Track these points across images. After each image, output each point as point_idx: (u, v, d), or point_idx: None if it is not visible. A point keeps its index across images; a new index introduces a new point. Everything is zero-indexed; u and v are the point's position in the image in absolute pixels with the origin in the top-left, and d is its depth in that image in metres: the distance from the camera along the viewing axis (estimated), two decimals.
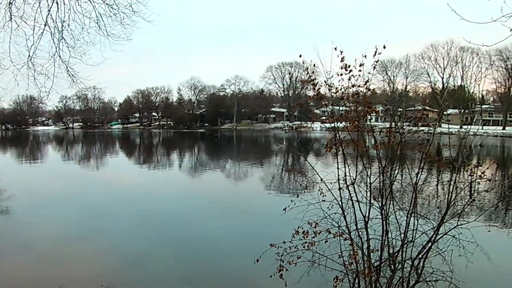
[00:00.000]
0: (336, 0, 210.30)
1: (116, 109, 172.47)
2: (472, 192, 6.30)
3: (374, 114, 6.58)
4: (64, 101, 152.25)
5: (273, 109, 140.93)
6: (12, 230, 14.68)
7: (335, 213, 6.76)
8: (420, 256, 6.56)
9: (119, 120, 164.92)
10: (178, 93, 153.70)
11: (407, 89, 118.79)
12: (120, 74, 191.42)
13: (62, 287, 9.42)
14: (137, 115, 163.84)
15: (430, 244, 6.41)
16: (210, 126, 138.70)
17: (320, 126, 7.23)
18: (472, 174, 6.23)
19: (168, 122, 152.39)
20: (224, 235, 14.11)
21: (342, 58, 5.98)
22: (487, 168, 6.29)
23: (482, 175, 6.10)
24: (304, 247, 6.93)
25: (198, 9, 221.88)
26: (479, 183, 6.32)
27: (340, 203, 6.66)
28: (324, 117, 7.14)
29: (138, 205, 19.20)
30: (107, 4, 10.09)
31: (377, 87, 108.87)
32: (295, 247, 6.94)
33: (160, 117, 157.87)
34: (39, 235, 14.15)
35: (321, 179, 6.81)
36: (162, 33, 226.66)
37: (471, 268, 6.64)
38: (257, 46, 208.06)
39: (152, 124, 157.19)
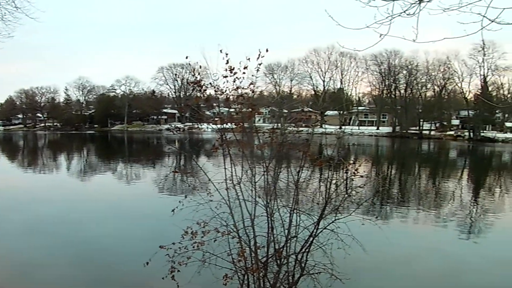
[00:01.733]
0: (225, 4, 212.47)
1: None
2: (348, 188, 6.79)
3: (258, 115, 6.82)
4: None
5: (164, 110, 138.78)
6: None
7: (223, 213, 6.88)
8: (303, 250, 6.92)
9: (0, 121, 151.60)
10: (65, 93, 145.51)
11: (292, 92, 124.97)
12: (2, 73, 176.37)
13: None
14: (20, 116, 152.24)
15: (311, 238, 6.79)
16: (100, 127, 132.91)
17: (209, 127, 7.33)
18: (347, 171, 6.72)
19: (55, 124, 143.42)
20: (116, 239, 13.74)
21: (227, 61, 6.12)
22: (359, 166, 6.82)
23: (356, 172, 6.60)
24: (194, 247, 6.96)
25: (87, 7, 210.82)
26: (353, 180, 6.83)
27: (227, 202, 6.79)
28: (215, 119, 7.25)
29: (26, 211, 17.94)
30: None
31: (265, 90, 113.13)
32: (185, 248, 6.94)
33: (45, 118, 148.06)
34: None
35: (209, 179, 6.91)
36: (50, 31, 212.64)
37: (349, 259, 7.15)
38: (148, 47, 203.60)
39: (37, 126, 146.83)
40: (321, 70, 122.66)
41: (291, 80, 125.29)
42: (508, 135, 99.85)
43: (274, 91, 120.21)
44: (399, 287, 10.44)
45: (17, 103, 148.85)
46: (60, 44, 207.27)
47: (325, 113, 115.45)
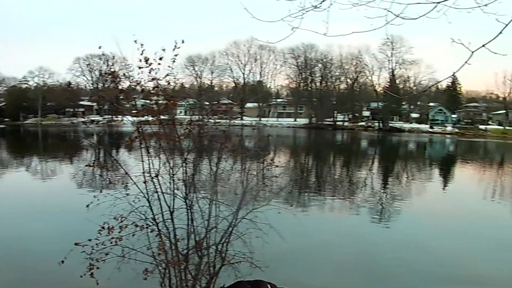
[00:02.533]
0: None
1: None
2: (264, 178, 6.99)
3: (179, 107, 6.79)
4: None
5: (81, 102, 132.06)
6: None
7: (142, 206, 6.77)
8: (223, 241, 7.03)
9: None
10: None
11: (212, 84, 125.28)
12: None
13: None
14: None
15: (231, 229, 6.91)
16: (11, 121, 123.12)
17: (128, 120, 7.16)
18: (263, 161, 6.91)
19: None
20: (30, 238, 13.03)
21: (142, 52, 6.01)
22: (278, 156, 7.04)
23: (272, 162, 6.81)
24: (112, 242, 6.78)
25: None
26: (270, 170, 7.04)
27: (146, 195, 6.70)
28: (134, 111, 7.09)
29: None
30: None
31: (186, 82, 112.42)
32: (102, 244, 6.74)
33: None
34: None
35: (126, 173, 6.77)
36: None
37: (268, 247, 7.37)
38: (64, 37, 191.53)
39: None
40: (241, 63, 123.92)
41: (212, 72, 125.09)
42: (414, 125, 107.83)
43: (195, 83, 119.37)
44: (316, 271, 10.94)
45: None
46: None
47: (245, 105, 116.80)
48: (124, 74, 6.19)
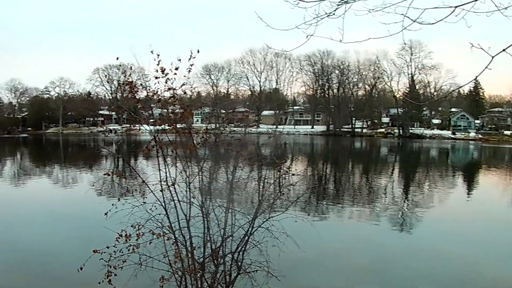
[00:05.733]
0: (158, 7, 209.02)
1: None
2: (281, 186, 6.94)
3: (196, 116, 6.81)
4: None
5: (101, 112, 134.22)
6: None
7: (159, 214, 6.80)
8: (239, 249, 6.99)
9: None
10: None
11: (229, 92, 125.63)
12: None
13: None
14: None
15: (247, 237, 6.88)
16: (34, 130, 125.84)
17: (146, 129, 7.21)
18: (280, 169, 6.87)
19: None
20: (51, 244, 13.24)
21: (159, 62, 6.06)
22: (295, 164, 7.00)
23: (289, 170, 6.76)
24: (129, 250, 6.83)
25: (20, 7, 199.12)
26: (286, 178, 6.99)
27: (163, 204, 6.73)
28: (151, 120, 7.15)
29: None
30: None
31: (202, 91, 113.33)
32: (120, 251, 6.80)
33: None
34: None
35: (143, 181, 6.81)
36: None
37: (284, 256, 7.30)
38: (83, 48, 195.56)
39: None
40: (257, 71, 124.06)
41: (228, 81, 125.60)
42: (435, 131, 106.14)
43: (211, 91, 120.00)
44: (333, 280, 10.82)
45: None
46: None
47: (261, 113, 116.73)
48: (141, 84, 6.24)
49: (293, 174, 7.07)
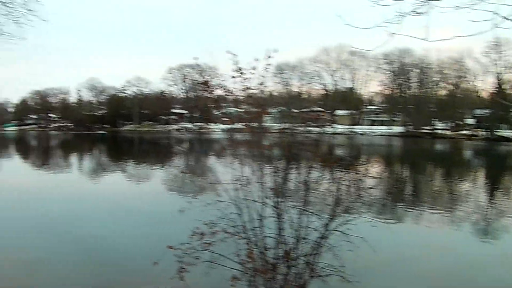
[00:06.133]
0: (234, 6, 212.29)
1: (11, 110, 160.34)
2: (358, 189, 6.70)
3: (269, 115, 6.77)
4: None
5: (174, 110, 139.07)
6: None
7: (232, 213, 6.85)
8: (312, 252, 6.85)
9: (14, 122, 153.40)
10: (77, 94, 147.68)
11: (301, 91, 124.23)
12: (14, 75, 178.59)
13: None
14: (34, 116, 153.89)
15: (321, 240, 6.72)
16: (111, 127, 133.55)
17: (222, 128, 7.31)
18: (358, 172, 6.63)
19: (67, 124, 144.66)
20: (126, 237, 13.76)
21: (236, 61, 6.09)
22: (371, 166, 6.72)
23: (367, 172, 6.51)
24: (202, 247, 6.93)
25: (98, 10, 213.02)
26: (363, 180, 6.74)
27: (236, 203, 6.76)
28: (224, 119, 7.22)
29: (38, 209, 18.12)
30: (1, 2, 9.46)
31: (273, 89, 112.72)
32: (193, 248, 6.92)
33: (58, 119, 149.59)
34: None
35: (217, 180, 6.87)
36: (62, 33, 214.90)
37: (359, 260, 7.08)
38: (159, 48, 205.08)
39: (50, 126, 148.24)
40: (331, 70, 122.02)
41: (301, 80, 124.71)
42: None
43: (283, 91, 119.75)
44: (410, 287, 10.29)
45: (31, 103, 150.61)
46: (71, 46, 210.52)
47: (336, 113, 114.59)
48: (219, 83, 6.30)
49: (371, 177, 6.81)
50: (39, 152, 61.18)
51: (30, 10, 9.75)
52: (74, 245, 12.92)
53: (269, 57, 6.10)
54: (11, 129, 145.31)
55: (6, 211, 17.70)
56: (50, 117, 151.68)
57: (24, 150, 64.20)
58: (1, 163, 42.51)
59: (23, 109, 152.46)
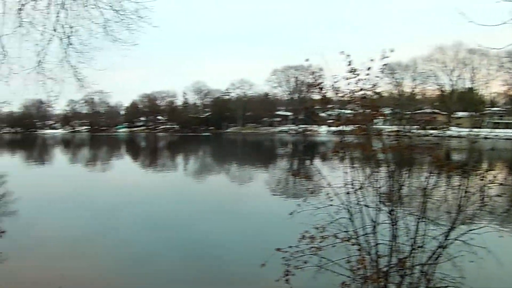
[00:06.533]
0: (340, 6, 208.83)
1: (122, 113, 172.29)
2: (483, 196, 6.17)
3: (382, 117, 6.47)
4: (72, 105, 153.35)
5: (278, 112, 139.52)
6: (20, 231, 14.67)
7: (342, 218, 6.66)
8: (429, 261, 6.44)
9: (125, 123, 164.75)
10: (183, 97, 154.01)
11: (414, 92, 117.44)
12: (126, 79, 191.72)
13: None
14: (143, 118, 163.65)
15: (440, 249, 6.29)
16: (215, 129, 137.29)
17: (328, 130, 7.17)
18: (483, 178, 6.11)
19: (173, 126, 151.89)
20: (230, 238, 14.00)
21: (349, 62, 5.91)
22: (499, 173, 6.16)
23: (494, 179, 5.97)
24: (310, 251, 6.83)
25: (202, 15, 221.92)
26: (489, 188, 6.20)
27: (347, 207, 6.56)
28: (330, 120, 7.07)
29: (146, 207, 19.23)
30: (114, 9, 10.09)
31: (384, 90, 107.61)
32: (301, 252, 6.84)
33: (165, 121, 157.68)
34: (47, 235, 14.17)
35: (328, 183, 6.72)
36: (168, 38, 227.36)
37: (483, 274, 6.53)
38: (262, 50, 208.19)
39: (158, 128, 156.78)
40: (448, 69, 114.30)
41: (414, 80, 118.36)
42: None
43: (394, 91, 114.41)
44: None
45: (140, 106, 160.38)
46: (178, 51, 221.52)
47: (455, 115, 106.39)
48: (332, 85, 6.16)
49: (497, 183, 6.24)
50: (148, 152, 65.11)
51: (141, 17, 10.31)
52: (180, 243, 13.44)
53: (385, 57, 5.86)
54: (122, 130, 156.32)
55: (117, 208, 18.98)
56: (158, 119, 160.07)
57: (134, 151, 68.69)
58: (114, 163, 45.93)
59: (133, 112, 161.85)
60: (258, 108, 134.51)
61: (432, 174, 6.26)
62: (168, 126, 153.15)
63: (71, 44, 10.33)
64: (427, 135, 6.56)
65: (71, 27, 10.04)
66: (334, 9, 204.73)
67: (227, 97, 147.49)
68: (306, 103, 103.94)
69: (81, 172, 36.67)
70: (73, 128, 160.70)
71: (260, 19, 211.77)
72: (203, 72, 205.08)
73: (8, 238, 13.64)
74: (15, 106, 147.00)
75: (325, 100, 6.54)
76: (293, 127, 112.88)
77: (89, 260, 11.74)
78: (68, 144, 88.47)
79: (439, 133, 6.83)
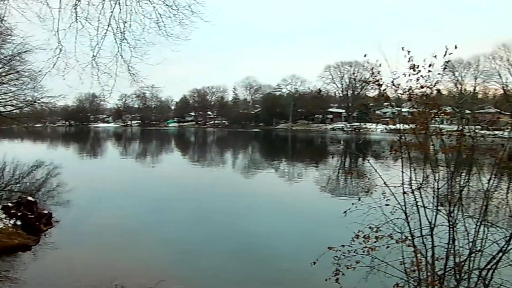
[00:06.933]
0: (398, 2, 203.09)
1: (172, 107, 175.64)
2: None
3: (444, 116, 6.25)
4: (124, 99, 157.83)
5: (330, 109, 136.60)
6: (74, 222, 15.29)
7: (397, 218, 6.52)
8: (489, 266, 6.20)
9: (175, 118, 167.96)
10: (233, 92, 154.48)
11: (476, 91, 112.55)
12: (177, 74, 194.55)
13: (117, 279, 9.69)
14: (192, 113, 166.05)
15: (500, 254, 6.04)
16: (264, 126, 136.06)
17: (385, 127, 7.03)
18: None
19: (223, 121, 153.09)
20: (280, 236, 14.04)
21: (410, 58, 5.76)
22: None
23: None
24: (363, 251, 6.73)
25: (255, 9, 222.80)
26: None
27: (403, 208, 6.41)
28: (386, 118, 6.93)
29: (196, 201, 19.59)
30: (167, 5, 10.20)
31: (443, 88, 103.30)
32: (354, 251, 6.76)
33: (215, 116, 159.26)
34: (100, 226, 14.68)
35: (384, 183, 6.59)
36: (219, 34, 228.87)
37: None
38: (314, 46, 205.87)
39: (207, 123, 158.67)
40: None
41: (475, 78, 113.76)
42: None
43: (454, 89, 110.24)
44: None
45: (190, 101, 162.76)
46: (229, 47, 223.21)
47: None
48: (392, 82, 6.02)
49: None
50: (197, 147, 66.21)
51: (194, 12, 10.37)
52: (230, 240, 13.61)
53: (448, 53, 5.68)
54: (172, 125, 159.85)
55: (169, 202, 19.41)
56: (208, 114, 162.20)
57: (184, 145, 70.07)
58: (164, 157, 47.02)
59: (183, 107, 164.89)
60: (310, 105, 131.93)
61: (495, 176, 6.02)
62: (217, 122, 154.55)
63: (125, 39, 10.58)
64: (490, 136, 6.31)
65: (125, 22, 10.26)
66: (392, 3, 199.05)
67: (278, 93, 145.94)
68: (360, 100, 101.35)
69: (133, 165, 37.82)
70: (125, 122, 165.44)
71: (312, 14, 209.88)
72: (254, 67, 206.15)
73: (62, 228, 14.26)
74: (69, 100, 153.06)
75: (383, 97, 6.41)
76: (346, 124, 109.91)
77: (142, 252, 12.09)
78: (119, 137, 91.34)
79: (502, 134, 6.57)
